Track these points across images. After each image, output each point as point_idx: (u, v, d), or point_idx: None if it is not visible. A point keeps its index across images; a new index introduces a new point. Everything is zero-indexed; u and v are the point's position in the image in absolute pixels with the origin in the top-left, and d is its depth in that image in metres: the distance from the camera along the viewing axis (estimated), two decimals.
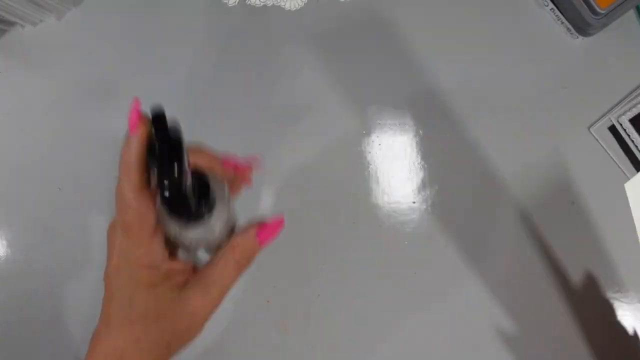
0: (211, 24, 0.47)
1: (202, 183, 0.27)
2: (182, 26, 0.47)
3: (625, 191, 0.46)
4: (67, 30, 0.47)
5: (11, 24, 0.46)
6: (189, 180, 0.23)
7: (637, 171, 0.46)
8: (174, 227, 0.27)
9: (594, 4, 0.43)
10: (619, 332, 0.46)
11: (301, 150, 0.46)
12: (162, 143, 0.22)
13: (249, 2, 0.47)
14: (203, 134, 0.46)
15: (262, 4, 0.47)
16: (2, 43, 0.47)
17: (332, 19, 0.47)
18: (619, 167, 0.46)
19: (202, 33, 0.47)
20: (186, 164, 0.22)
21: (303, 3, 0.47)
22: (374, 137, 0.47)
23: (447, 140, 0.47)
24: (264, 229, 0.26)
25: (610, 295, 0.46)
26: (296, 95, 0.47)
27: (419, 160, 0.47)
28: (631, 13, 0.46)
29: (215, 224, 0.29)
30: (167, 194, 0.22)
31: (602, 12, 0.43)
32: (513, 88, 0.47)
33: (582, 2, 0.43)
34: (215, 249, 0.29)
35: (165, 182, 0.22)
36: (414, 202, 0.46)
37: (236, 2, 0.47)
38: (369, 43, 0.47)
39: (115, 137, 0.46)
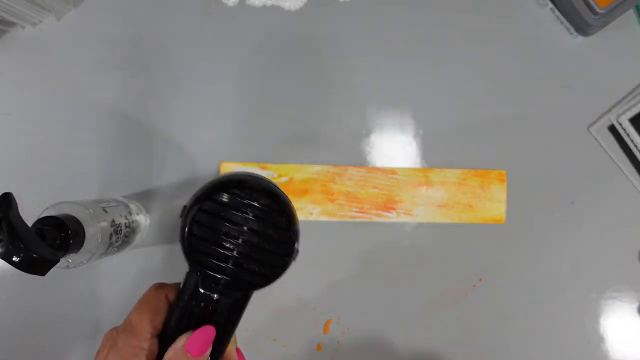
0: (211, 24, 0.47)
1: (60, 230, 0.32)
2: (183, 26, 0.47)
3: (625, 190, 0.46)
4: (67, 31, 0.47)
5: (11, 24, 0.46)
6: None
7: (637, 171, 0.46)
8: (64, 261, 0.33)
9: (593, 3, 0.43)
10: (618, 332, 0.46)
11: (300, 151, 0.47)
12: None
13: (248, 2, 0.47)
14: (197, 136, 0.46)
15: (262, 4, 0.47)
16: (1, 43, 0.47)
17: (332, 19, 0.47)
18: (619, 166, 0.46)
19: (202, 33, 0.47)
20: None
21: (303, 3, 0.47)
22: (374, 137, 0.47)
23: (447, 140, 0.47)
24: (191, 339, 0.28)
25: (610, 295, 0.46)
26: (295, 95, 0.47)
27: (419, 160, 0.47)
28: (631, 12, 0.46)
29: (90, 244, 0.34)
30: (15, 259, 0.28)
31: (602, 11, 0.43)
32: (512, 87, 0.47)
33: (581, 1, 0.43)
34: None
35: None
36: None
37: (236, 2, 0.47)
38: (369, 43, 0.47)
39: (115, 137, 0.46)
